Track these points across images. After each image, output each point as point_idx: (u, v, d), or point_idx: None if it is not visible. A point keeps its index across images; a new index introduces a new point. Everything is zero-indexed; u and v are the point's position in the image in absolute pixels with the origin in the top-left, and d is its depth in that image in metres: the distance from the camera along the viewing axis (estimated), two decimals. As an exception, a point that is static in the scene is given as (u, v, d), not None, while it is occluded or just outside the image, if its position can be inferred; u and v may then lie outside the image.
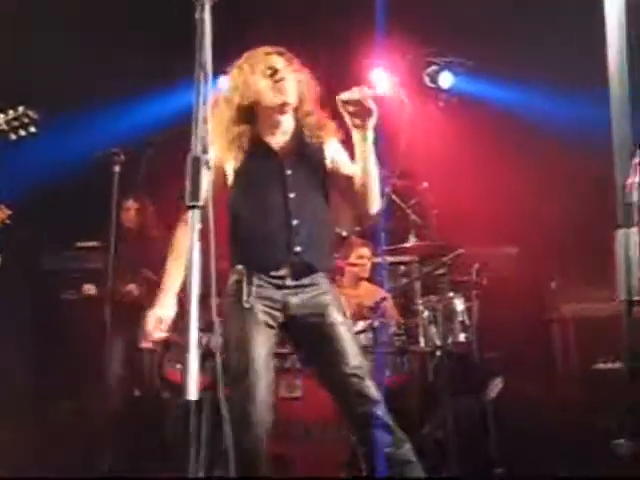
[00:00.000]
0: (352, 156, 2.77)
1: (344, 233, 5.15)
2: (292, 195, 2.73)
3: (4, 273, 4.21)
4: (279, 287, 2.71)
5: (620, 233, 3.35)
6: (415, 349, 4.30)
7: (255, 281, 2.70)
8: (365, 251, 5.00)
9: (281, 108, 2.76)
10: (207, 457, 3.56)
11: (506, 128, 6.05)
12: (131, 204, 5.39)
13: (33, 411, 5.39)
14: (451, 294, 4.36)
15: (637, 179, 4.41)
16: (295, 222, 2.71)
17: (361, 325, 4.17)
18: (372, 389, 2.65)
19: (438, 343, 4.22)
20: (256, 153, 2.77)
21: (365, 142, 2.66)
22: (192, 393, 1.67)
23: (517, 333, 5.42)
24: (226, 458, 2.38)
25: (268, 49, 2.80)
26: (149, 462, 4.66)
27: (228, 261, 2.78)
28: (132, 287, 5.19)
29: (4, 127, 3.69)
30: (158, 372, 5.09)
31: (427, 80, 6.45)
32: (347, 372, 2.63)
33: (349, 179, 2.77)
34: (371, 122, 2.63)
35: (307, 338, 2.75)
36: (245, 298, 2.67)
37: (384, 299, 4.33)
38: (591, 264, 5.57)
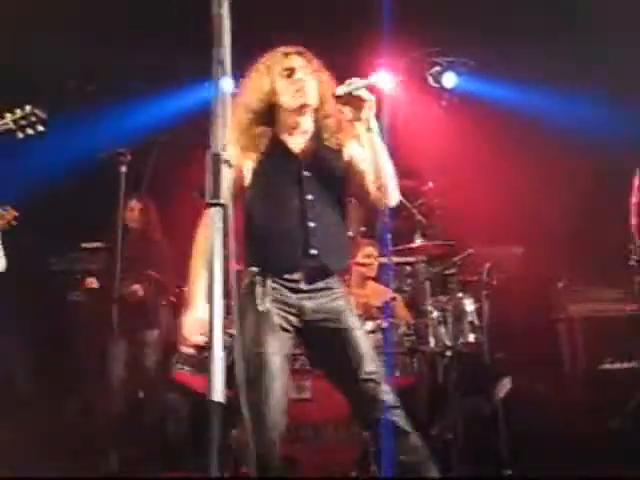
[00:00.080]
0: None
1: (350, 233, 5.12)
2: (309, 197, 2.70)
3: (10, 274, 4.20)
4: (294, 291, 2.68)
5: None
6: (425, 349, 4.27)
7: (269, 284, 2.66)
8: (372, 250, 4.99)
9: (300, 109, 2.73)
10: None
11: (509, 127, 6.05)
12: (135, 204, 5.38)
13: (38, 411, 5.37)
14: (460, 294, 4.34)
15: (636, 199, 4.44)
16: (311, 224, 2.68)
17: (370, 325, 4.15)
18: (389, 395, 2.62)
19: (448, 343, 4.19)
20: (274, 154, 2.74)
21: (370, 133, 2.63)
22: (218, 394, 1.63)
23: (524, 333, 5.41)
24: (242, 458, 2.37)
25: (288, 49, 2.77)
26: (152, 463, 4.65)
27: (241, 262, 2.75)
28: (137, 287, 5.17)
29: (12, 126, 3.67)
30: (164, 374, 5.08)
31: (430, 80, 6.44)
32: (363, 377, 2.60)
33: (363, 174, 2.73)
34: (371, 112, 2.60)
35: (322, 343, 2.71)
36: (260, 301, 2.64)
37: (394, 299, 4.30)
38: (597, 264, 5.57)
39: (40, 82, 5.65)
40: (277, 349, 2.62)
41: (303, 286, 2.68)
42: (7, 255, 4.25)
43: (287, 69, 2.73)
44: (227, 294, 1.79)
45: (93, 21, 5.50)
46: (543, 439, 4.43)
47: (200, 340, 2.54)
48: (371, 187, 2.71)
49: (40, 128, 3.71)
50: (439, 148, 5.91)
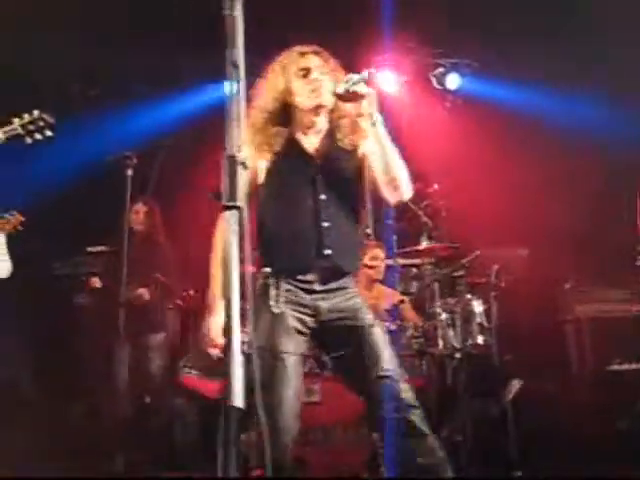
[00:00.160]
0: None
1: (368, 230, 5.11)
2: (322, 197, 2.67)
3: (16, 278, 4.19)
4: (308, 292, 2.65)
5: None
6: (433, 352, 4.26)
7: (283, 285, 2.64)
8: (379, 252, 4.97)
9: (315, 110, 2.71)
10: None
11: (513, 128, 6.05)
12: (140, 207, 5.37)
13: (43, 413, 5.35)
14: (469, 296, 4.33)
15: None
16: (325, 224, 2.65)
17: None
18: (408, 393, 2.59)
19: (457, 346, 4.18)
20: (288, 154, 2.72)
21: (375, 127, 2.60)
22: (238, 399, 1.61)
23: (532, 335, 5.40)
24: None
25: (304, 48, 2.74)
26: (158, 467, 4.64)
27: (255, 264, 2.73)
28: (143, 291, 5.15)
29: (20, 131, 3.65)
30: (170, 378, 5.08)
31: (434, 82, 6.44)
32: (380, 374, 2.57)
33: (372, 169, 2.70)
34: (372, 106, 2.57)
35: (338, 341, 2.67)
36: (274, 303, 2.62)
37: (402, 301, 4.29)
38: (604, 264, 5.56)
39: (40, 82, 5.65)
40: (291, 353, 2.59)
41: (317, 287, 2.65)
42: (13, 259, 4.24)
43: (303, 69, 2.71)
44: (243, 296, 1.78)
45: (93, 21, 5.49)
46: (552, 440, 4.42)
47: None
48: (381, 181, 2.67)
49: (48, 133, 3.69)
50: (443, 150, 5.90)
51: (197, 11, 5.27)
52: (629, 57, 5.52)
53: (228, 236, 1.79)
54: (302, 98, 2.70)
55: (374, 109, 2.58)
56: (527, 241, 5.83)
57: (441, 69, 6.42)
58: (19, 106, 3.77)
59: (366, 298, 4.50)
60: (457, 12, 5.62)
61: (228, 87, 1.86)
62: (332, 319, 2.66)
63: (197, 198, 5.82)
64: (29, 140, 3.67)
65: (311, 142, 2.76)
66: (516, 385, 4.41)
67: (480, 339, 4.18)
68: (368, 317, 2.67)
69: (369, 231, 5.29)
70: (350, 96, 2.56)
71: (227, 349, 1.69)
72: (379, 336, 2.65)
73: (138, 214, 5.36)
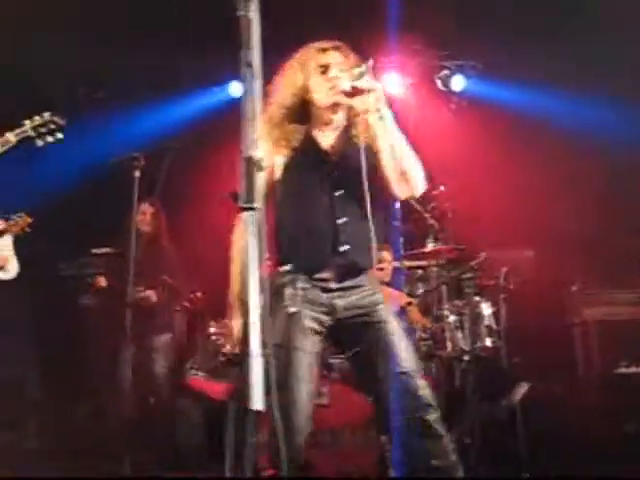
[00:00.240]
0: None
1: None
2: (338, 193, 2.65)
3: (22, 279, 4.19)
4: (324, 290, 2.63)
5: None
6: (442, 354, 4.25)
7: (299, 284, 2.61)
8: (386, 255, 4.95)
9: (333, 107, 2.69)
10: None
11: (518, 130, 6.04)
12: (147, 208, 5.36)
13: (49, 414, 5.35)
14: (477, 298, 4.31)
15: None
16: (340, 221, 2.63)
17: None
18: (426, 390, 2.55)
19: (465, 348, 4.17)
20: (305, 150, 2.69)
21: (383, 121, 2.57)
22: (257, 402, 1.59)
23: (539, 337, 5.38)
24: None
25: (324, 44, 2.70)
26: (165, 468, 4.63)
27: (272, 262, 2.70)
28: (150, 293, 5.15)
29: (31, 133, 3.63)
30: (177, 379, 5.07)
31: (439, 84, 6.44)
32: (399, 371, 2.52)
33: (382, 164, 2.66)
34: (379, 100, 2.54)
35: (354, 338, 2.64)
36: (290, 302, 2.59)
37: (409, 304, 4.28)
38: (611, 266, 5.55)
39: (40, 82, 5.64)
40: (306, 354, 2.57)
41: (333, 285, 2.62)
42: (19, 260, 4.24)
43: (322, 65, 2.68)
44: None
45: (93, 21, 5.47)
46: (559, 442, 4.41)
47: None
48: (391, 177, 2.64)
49: (59, 135, 3.67)
50: (449, 152, 5.88)
51: (196, 10, 5.29)
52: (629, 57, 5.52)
53: (246, 238, 1.78)
54: (320, 95, 2.67)
55: (381, 104, 2.55)
56: (533, 243, 5.82)
57: (446, 71, 6.41)
58: (19, 106, 3.77)
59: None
60: (462, 14, 5.61)
61: (241, 87, 1.85)
62: (348, 317, 2.63)
63: (204, 200, 5.83)
64: (40, 143, 3.65)
65: (328, 139, 2.74)
66: (524, 387, 4.40)
67: (488, 341, 4.17)
68: (385, 313, 2.64)
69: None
70: (356, 92, 2.53)
71: (246, 352, 1.68)
72: (396, 331, 2.61)
73: (145, 215, 5.36)
